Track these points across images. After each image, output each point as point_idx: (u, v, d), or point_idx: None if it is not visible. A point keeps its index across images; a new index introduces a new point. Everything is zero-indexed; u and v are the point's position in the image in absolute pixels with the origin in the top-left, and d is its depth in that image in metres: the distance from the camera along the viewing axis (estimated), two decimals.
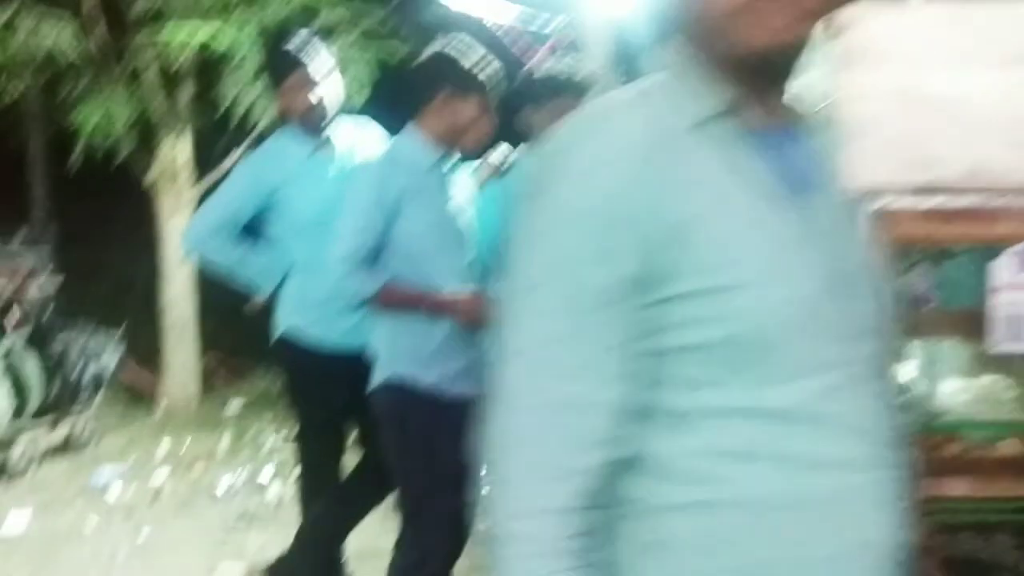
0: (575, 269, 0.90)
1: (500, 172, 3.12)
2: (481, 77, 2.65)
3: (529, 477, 0.92)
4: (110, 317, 6.63)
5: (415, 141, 2.65)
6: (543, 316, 0.92)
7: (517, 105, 3.00)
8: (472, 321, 2.57)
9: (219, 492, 4.75)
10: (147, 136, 6.33)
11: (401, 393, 2.57)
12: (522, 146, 3.18)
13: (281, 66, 2.98)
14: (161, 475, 5.03)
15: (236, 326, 7.36)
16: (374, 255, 2.55)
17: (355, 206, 2.54)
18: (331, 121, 3.04)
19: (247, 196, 2.97)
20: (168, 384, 6.54)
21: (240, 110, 5.82)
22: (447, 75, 2.62)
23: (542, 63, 3.15)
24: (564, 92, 3.03)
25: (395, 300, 2.56)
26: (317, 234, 2.88)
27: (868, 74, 1.93)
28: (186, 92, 6.32)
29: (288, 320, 3.02)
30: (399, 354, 2.58)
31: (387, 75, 6.19)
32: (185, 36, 5.32)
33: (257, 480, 4.93)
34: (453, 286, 2.59)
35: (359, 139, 3.14)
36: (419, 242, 2.57)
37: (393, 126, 3.00)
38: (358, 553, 3.64)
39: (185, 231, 3.06)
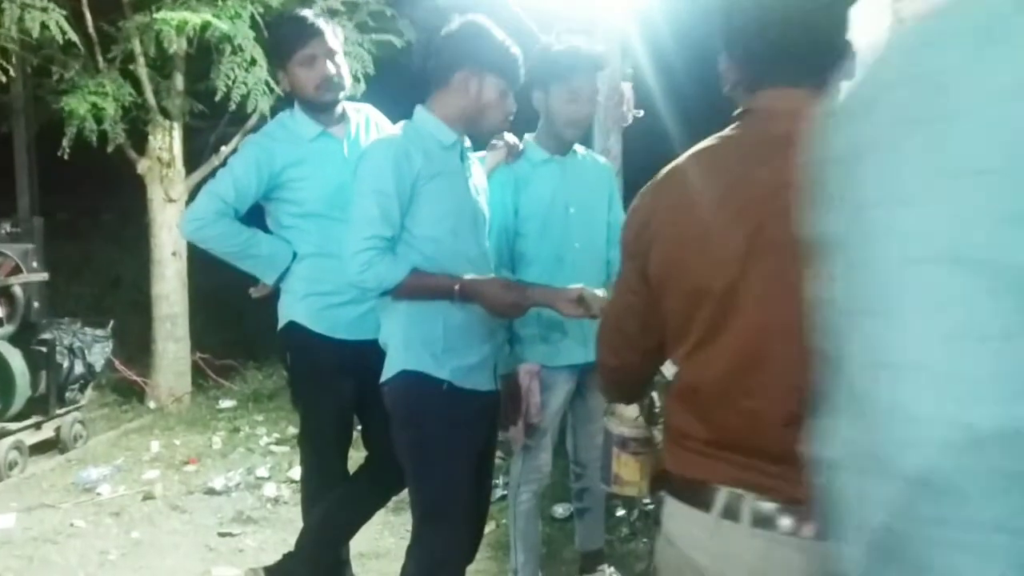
0: None
1: (513, 155, 3.00)
2: (504, 58, 2.51)
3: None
4: (98, 312, 6.50)
5: (431, 121, 2.51)
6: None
7: (530, 83, 2.87)
8: (504, 307, 2.44)
9: (212, 492, 4.62)
10: (138, 125, 6.18)
11: (415, 387, 2.43)
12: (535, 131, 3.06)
13: (295, 35, 2.82)
14: (152, 475, 4.91)
15: (228, 322, 7.29)
16: (395, 242, 2.41)
17: (370, 190, 2.38)
18: (343, 99, 2.89)
19: (251, 179, 2.80)
20: (158, 381, 6.40)
21: (236, 98, 5.65)
22: (468, 53, 2.47)
23: (558, 40, 3.01)
24: (580, 70, 2.91)
25: (423, 287, 2.41)
26: (327, 219, 2.80)
27: None
28: (179, 79, 6.17)
29: (294, 309, 2.88)
30: (412, 347, 2.44)
31: (383, 68, 6.07)
32: (180, 20, 5.16)
33: (252, 478, 4.80)
34: (469, 274, 2.45)
35: (367, 121, 3.00)
36: (434, 228, 2.42)
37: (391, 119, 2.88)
38: (360, 554, 3.53)
39: (185, 215, 2.89)
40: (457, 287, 2.39)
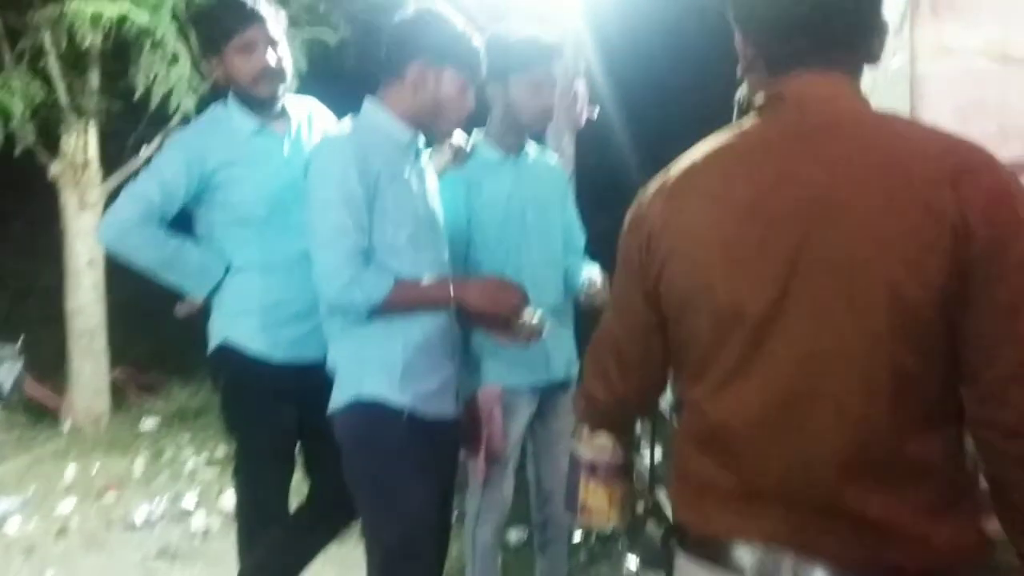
0: None
1: (460, 158, 2.74)
2: (464, 49, 2.28)
3: None
4: (8, 328, 6.17)
5: (383, 117, 2.25)
6: None
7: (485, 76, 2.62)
8: (503, 309, 2.24)
9: (135, 523, 4.32)
10: (51, 126, 5.83)
11: (372, 417, 2.17)
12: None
13: (232, 18, 2.53)
14: (67, 505, 4.57)
15: (150, 335, 6.91)
16: (371, 252, 2.15)
17: (336, 197, 2.12)
18: (284, 92, 2.62)
19: (180, 179, 2.51)
20: (74, 401, 6.08)
21: (157, 97, 5.34)
22: (424, 43, 2.23)
23: (508, 28, 2.76)
24: (542, 58, 2.68)
25: (412, 299, 2.18)
26: (266, 225, 2.52)
27: (954, 27, 1.63)
28: (95, 76, 5.83)
29: (229, 328, 2.58)
30: (367, 371, 2.19)
31: (316, 66, 5.82)
32: (95, 12, 4.82)
33: (178, 508, 4.49)
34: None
35: (310, 118, 2.72)
36: (394, 236, 2.18)
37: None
38: None
39: (104, 221, 2.58)
40: (452, 290, 2.18)
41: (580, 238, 2.98)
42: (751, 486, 1.28)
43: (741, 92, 1.96)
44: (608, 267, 2.81)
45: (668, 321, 1.38)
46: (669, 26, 5.08)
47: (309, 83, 5.49)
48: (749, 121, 1.35)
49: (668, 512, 3.17)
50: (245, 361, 2.55)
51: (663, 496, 3.28)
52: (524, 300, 2.26)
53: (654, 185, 1.42)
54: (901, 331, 1.17)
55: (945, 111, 1.58)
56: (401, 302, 2.15)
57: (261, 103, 2.58)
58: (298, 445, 2.75)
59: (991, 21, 1.66)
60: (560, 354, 2.77)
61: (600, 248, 2.98)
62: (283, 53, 2.59)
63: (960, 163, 1.17)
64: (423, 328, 2.21)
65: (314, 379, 2.33)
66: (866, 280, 1.18)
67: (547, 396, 2.82)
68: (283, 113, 2.64)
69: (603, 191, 4.31)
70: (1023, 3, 1.68)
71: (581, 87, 3.98)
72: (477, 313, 2.24)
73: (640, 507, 3.35)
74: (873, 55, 1.33)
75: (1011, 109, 1.62)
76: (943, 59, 1.64)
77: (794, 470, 1.24)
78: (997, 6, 1.67)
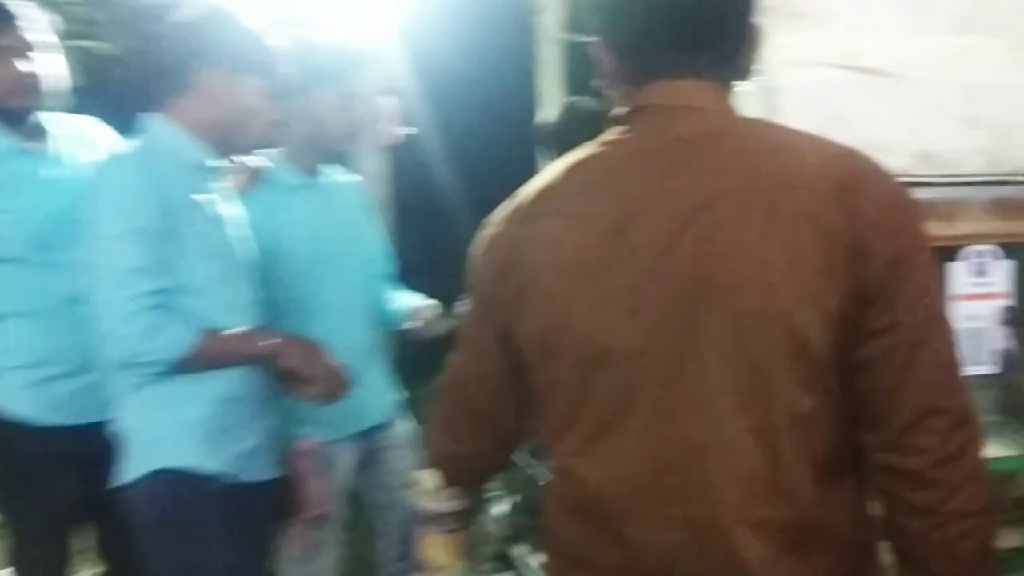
0: None
1: (256, 181, 2.45)
2: (259, 52, 2.01)
3: None
4: None
5: (173, 134, 1.95)
6: None
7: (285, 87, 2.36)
8: (307, 373, 1.97)
9: None
10: None
11: (176, 489, 1.87)
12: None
13: None
14: None
15: None
16: (171, 295, 1.83)
17: (125, 230, 1.80)
18: (46, 107, 2.29)
19: None
20: None
21: None
22: (213, 48, 1.95)
23: (311, 39, 2.51)
24: (354, 69, 2.45)
25: (219, 353, 1.88)
26: (28, 264, 2.19)
27: (808, 38, 1.53)
28: None
29: None
30: (168, 435, 1.88)
31: (96, 78, 5.33)
32: None
33: None
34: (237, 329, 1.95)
35: (76, 136, 2.38)
36: (198, 274, 1.88)
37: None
38: None
39: None
40: (266, 347, 1.92)
41: (390, 265, 2.75)
42: (636, 561, 1.10)
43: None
44: (428, 293, 2.62)
45: (526, 364, 1.19)
46: (489, 39, 4.94)
47: (87, 99, 5.02)
48: (612, 134, 1.18)
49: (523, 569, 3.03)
50: (8, 427, 2.21)
51: (517, 552, 3.13)
52: (336, 365, 2.02)
53: (506, 208, 1.23)
54: (793, 366, 1.02)
55: (802, 124, 1.49)
56: (208, 357, 1.86)
57: (14, 118, 2.25)
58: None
59: (843, 31, 1.60)
60: (377, 396, 2.51)
61: (416, 275, 2.78)
62: (43, 60, 2.27)
63: (847, 173, 1.06)
64: (231, 382, 1.92)
65: (97, 442, 2.00)
66: (752, 308, 1.02)
67: (368, 442, 2.56)
68: (40, 131, 2.30)
69: (420, 214, 4.12)
70: (873, 13, 1.63)
71: (391, 103, 3.75)
72: (290, 373, 1.97)
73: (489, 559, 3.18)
74: (744, 66, 1.20)
75: (866, 120, 1.56)
76: (797, 70, 1.56)
77: (685, 538, 1.06)
78: (849, 16, 1.62)
